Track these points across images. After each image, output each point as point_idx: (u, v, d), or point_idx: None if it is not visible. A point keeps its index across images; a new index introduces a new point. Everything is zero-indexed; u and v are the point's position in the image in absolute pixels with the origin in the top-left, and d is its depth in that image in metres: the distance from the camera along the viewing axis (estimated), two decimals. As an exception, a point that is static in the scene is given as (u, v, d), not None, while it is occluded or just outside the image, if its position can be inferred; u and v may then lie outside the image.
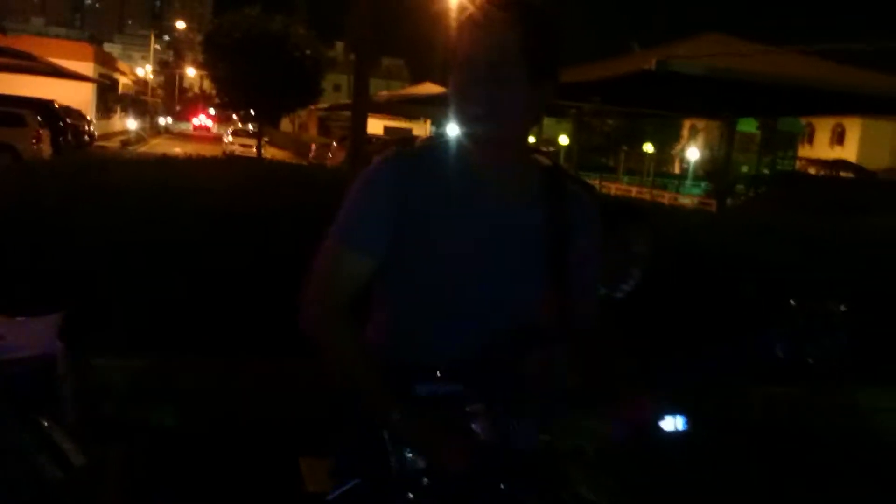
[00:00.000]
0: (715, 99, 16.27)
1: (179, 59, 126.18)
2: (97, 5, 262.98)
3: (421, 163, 1.79)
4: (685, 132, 46.73)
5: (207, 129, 79.99)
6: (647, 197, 24.30)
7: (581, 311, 1.84)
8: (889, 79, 15.04)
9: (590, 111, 24.93)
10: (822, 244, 5.76)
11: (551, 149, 39.68)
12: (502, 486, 1.74)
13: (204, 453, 3.75)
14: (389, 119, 45.70)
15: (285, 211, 4.47)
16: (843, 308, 1.58)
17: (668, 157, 50.56)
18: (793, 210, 13.02)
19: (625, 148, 35.44)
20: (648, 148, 40.56)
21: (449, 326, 1.75)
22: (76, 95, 37.42)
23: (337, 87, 63.07)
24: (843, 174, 31.80)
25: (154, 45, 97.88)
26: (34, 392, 3.10)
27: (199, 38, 22.98)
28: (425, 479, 1.69)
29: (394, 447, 1.70)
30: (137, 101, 62.01)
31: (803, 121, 45.79)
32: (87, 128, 32.09)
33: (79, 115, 31.81)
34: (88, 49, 52.12)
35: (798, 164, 40.12)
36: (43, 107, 23.70)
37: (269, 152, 27.23)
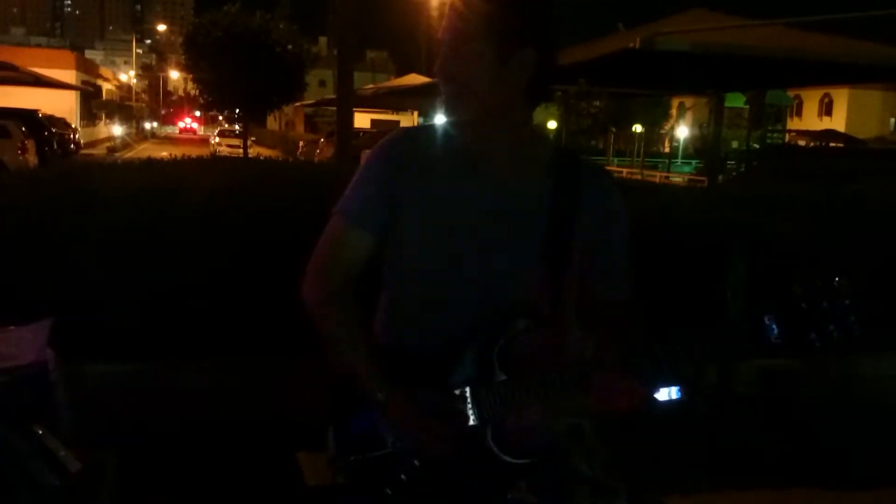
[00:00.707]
0: (702, 75, 16.22)
1: (162, 63, 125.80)
2: (77, 12, 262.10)
3: (421, 140, 1.81)
4: (673, 111, 46.84)
5: (193, 131, 79.97)
6: (637, 177, 24.32)
7: (604, 296, 1.80)
8: (875, 47, 15.03)
9: (576, 94, 24.89)
10: (815, 213, 5.75)
11: (540, 134, 39.63)
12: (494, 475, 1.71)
13: (200, 454, 3.73)
14: (377, 112, 45.63)
15: (274, 207, 4.43)
16: (847, 286, 1.48)
17: (658, 136, 50.66)
18: (784, 182, 13.02)
19: (613, 129, 35.44)
20: (637, 128, 40.58)
21: (440, 305, 1.74)
22: (60, 104, 37.27)
23: (322, 83, 62.91)
24: (832, 144, 31.87)
25: (136, 50, 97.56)
26: (27, 400, 3.08)
27: (180, 39, 22.93)
28: (416, 461, 1.69)
29: (386, 428, 1.71)
30: (122, 107, 61.77)
31: (791, 93, 45.92)
32: (72, 136, 31.98)
33: (63, 124, 31.70)
34: (70, 57, 51.86)
35: (788, 137, 40.19)
36: (27, 117, 23.63)
37: (257, 151, 27.17)
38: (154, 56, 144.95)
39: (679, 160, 40.92)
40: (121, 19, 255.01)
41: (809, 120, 54.80)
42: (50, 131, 25.71)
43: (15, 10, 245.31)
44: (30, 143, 21.60)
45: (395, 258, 1.78)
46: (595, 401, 1.62)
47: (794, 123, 52.15)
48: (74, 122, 39.43)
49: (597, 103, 26.24)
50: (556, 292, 1.73)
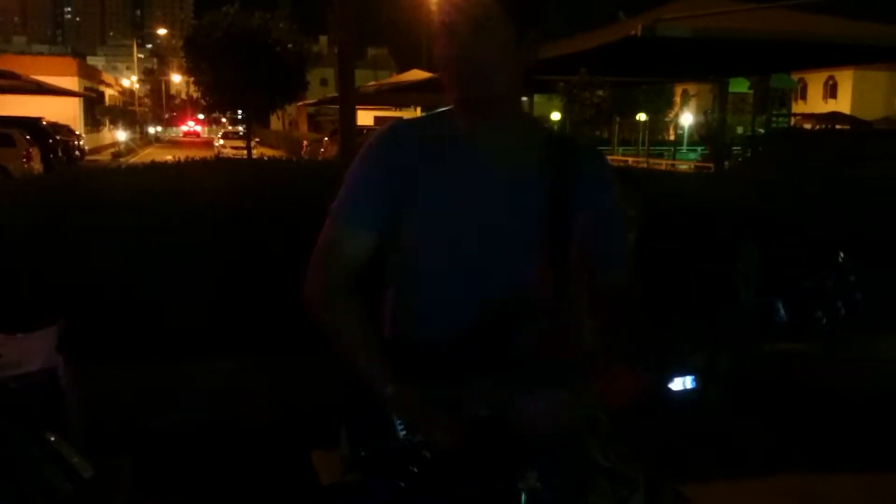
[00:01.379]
0: (705, 61, 16.16)
1: (164, 66, 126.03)
2: (77, 19, 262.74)
3: (415, 132, 1.79)
4: (677, 98, 46.71)
5: (197, 134, 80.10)
6: (644, 165, 24.25)
7: (605, 280, 1.78)
8: (879, 27, 14.94)
9: (579, 84, 24.81)
10: (822, 195, 5.72)
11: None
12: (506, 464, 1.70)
13: (213, 455, 3.72)
14: (379, 109, 45.61)
15: (280, 206, 4.42)
16: (852, 264, 1.50)
17: (662, 124, 50.53)
18: (790, 166, 12.95)
19: (617, 119, 35.36)
20: (641, 117, 40.48)
21: (444, 298, 1.72)
22: (63, 111, 37.34)
23: (324, 82, 62.94)
24: (838, 127, 31.72)
25: (137, 55, 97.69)
26: (38, 406, 3.07)
27: (181, 43, 22.92)
28: (427, 453, 1.67)
29: (395, 421, 1.70)
30: (125, 112, 61.76)
31: (795, 77, 45.71)
32: (76, 143, 32.01)
33: (67, 131, 31.74)
34: (72, 63, 51.94)
35: (793, 121, 40.03)
36: (31, 125, 23.64)
37: (261, 152, 27.22)
38: (155, 60, 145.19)
39: (685, 147, 40.85)
40: (121, 25, 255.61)
41: (814, 103, 54.58)
42: (54, 138, 25.72)
43: (16, 18, 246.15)
44: (34, 151, 21.62)
45: (399, 252, 1.76)
46: (601, 390, 1.63)
47: (798, 107, 51.93)
48: (78, 128, 39.48)
49: (600, 93, 26.10)
50: (561, 279, 1.72)
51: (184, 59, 21.33)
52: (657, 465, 2.61)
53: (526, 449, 1.69)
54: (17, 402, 3.03)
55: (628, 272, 1.82)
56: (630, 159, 31.24)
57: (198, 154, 6.61)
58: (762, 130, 32.09)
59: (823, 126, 32.66)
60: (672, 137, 48.39)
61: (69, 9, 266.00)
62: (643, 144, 39.27)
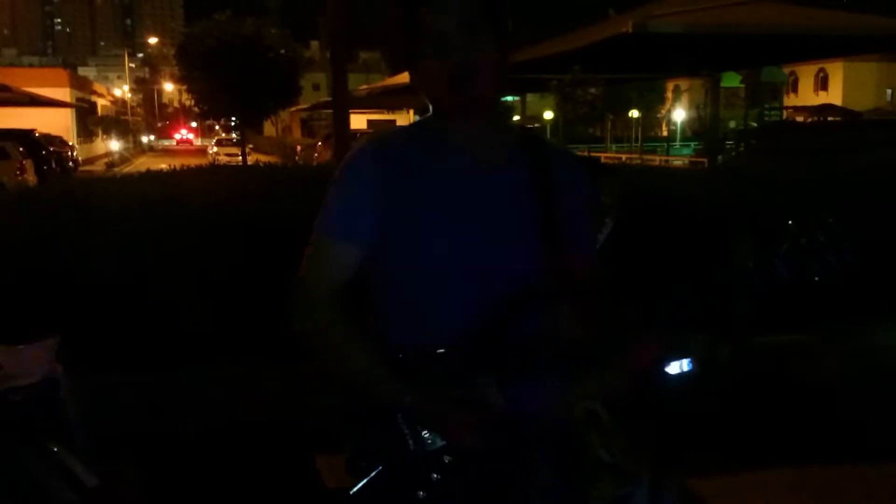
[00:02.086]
0: (696, 56, 16.20)
1: (156, 75, 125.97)
2: (68, 30, 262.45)
3: (396, 143, 1.79)
4: (669, 94, 46.76)
5: (190, 142, 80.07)
6: (637, 162, 24.27)
7: (580, 268, 1.81)
8: (868, 17, 15.00)
9: (571, 82, 24.86)
10: (813, 184, 5.74)
11: (537, 125, 39.66)
12: (534, 456, 1.73)
13: (215, 461, 3.73)
14: (372, 113, 45.59)
15: (278, 211, 4.43)
16: (838, 222, 1.58)
17: (655, 120, 50.62)
18: (783, 158, 12.99)
19: (610, 116, 35.42)
20: (634, 114, 40.54)
21: (446, 299, 1.73)
22: (56, 122, 37.31)
23: (316, 87, 62.89)
24: (830, 118, 31.79)
25: (129, 64, 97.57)
26: (40, 418, 3.08)
27: (173, 51, 22.91)
28: (446, 457, 1.67)
29: (409, 430, 1.68)
30: (118, 122, 61.66)
31: (786, 70, 45.79)
32: (70, 154, 31.97)
33: (61, 142, 31.70)
34: (63, 74, 51.90)
35: (785, 114, 40.10)
36: (24, 137, 23.60)
37: (256, 158, 27.19)
38: (147, 69, 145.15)
39: (678, 143, 40.87)
40: (112, 34, 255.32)
41: (806, 95, 54.71)
42: (47, 150, 25.66)
43: (6, 31, 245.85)
44: (28, 163, 21.59)
45: (391, 262, 1.75)
46: (637, 357, 1.67)
47: (790, 100, 52.03)
48: (71, 139, 39.44)
49: (592, 90, 26.16)
50: (556, 272, 1.75)
51: (176, 68, 21.31)
52: (660, 458, 2.62)
53: (540, 441, 1.72)
54: (19, 414, 3.03)
55: (595, 257, 1.90)
56: (624, 156, 31.26)
57: (192, 162, 6.61)
58: (754, 124, 32.14)
59: (815, 118, 32.71)
60: (665, 133, 48.43)
61: (59, 20, 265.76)
62: (636, 141, 39.31)
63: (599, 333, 1.70)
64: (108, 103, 69.62)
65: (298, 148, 36.46)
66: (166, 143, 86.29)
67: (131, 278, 4.06)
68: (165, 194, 4.68)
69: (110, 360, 3.87)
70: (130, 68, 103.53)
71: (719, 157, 20.66)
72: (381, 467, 1.70)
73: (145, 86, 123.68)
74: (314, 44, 73.89)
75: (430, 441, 1.68)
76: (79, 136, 45.72)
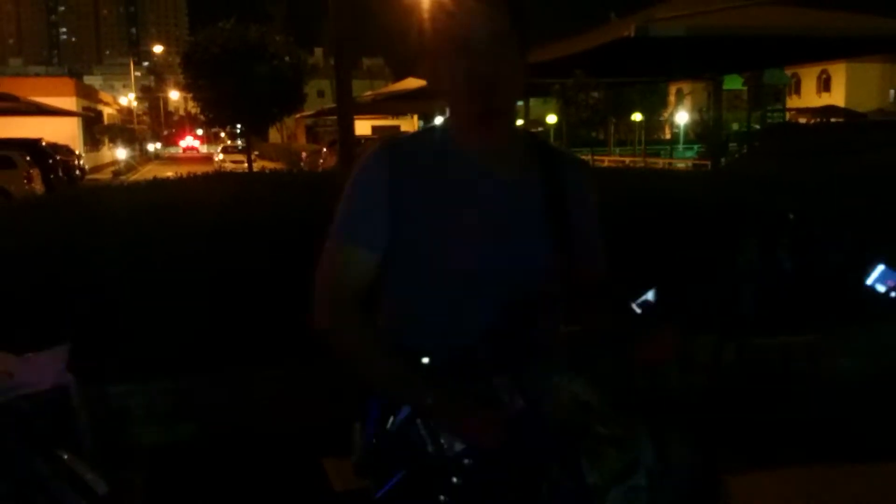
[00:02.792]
0: (699, 59, 16.20)
1: (161, 83, 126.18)
2: (73, 39, 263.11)
3: (410, 148, 1.81)
4: (671, 97, 46.72)
5: (196, 149, 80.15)
6: (641, 165, 24.26)
7: (591, 272, 1.85)
8: (870, 19, 14.98)
9: (574, 86, 24.88)
10: (817, 185, 5.74)
11: (540, 129, 39.65)
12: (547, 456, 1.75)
13: (223, 467, 3.74)
14: (377, 119, 45.65)
15: (283, 217, 4.45)
16: (839, 222, 1.61)
17: (658, 123, 50.55)
18: (787, 160, 12.97)
19: (613, 119, 35.42)
20: (637, 117, 40.51)
21: (461, 306, 1.75)
22: (62, 131, 37.40)
23: (321, 94, 62.97)
24: (833, 120, 31.72)
25: (134, 73, 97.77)
26: (51, 425, 3.10)
27: (178, 59, 22.97)
28: (467, 460, 1.67)
29: (428, 433, 1.68)
30: (124, 130, 61.82)
31: (788, 72, 45.73)
32: (76, 162, 32.07)
33: (67, 151, 31.79)
34: (69, 84, 52.03)
35: (787, 115, 40.03)
36: (31, 146, 23.67)
37: (261, 165, 27.25)
38: (152, 77, 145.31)
39: (681, 146, 40.84)
40: (117, 43, 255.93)
41: (808, 97, 54.58)
42: (54, 159, 25.75)
43: (11, 41, 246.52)
44: (35, 172, 21.64)
45: (407, 265, 1.77)
46: (646, 355, 1.70)
47: (793, 102, 51.92)
48: (78, 148, 39.53)
49: (595, 94, 26.18)
50: (569, 275, 1.78)
51: (181, 76, 21.36)
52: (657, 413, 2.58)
53: (557, 438, 1.75)
54: (29, 422, 3.06)
55: (605, 261, 1.93)
56: (627, 159, 31.24)
57: (198, 169, 6.62)
58: (757, 126, 32.10)
59: (818, 119, 32.65)
60: (668, 136, 48.39)
61: (64, 29, 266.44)
62: (639, 144, 39.28)
63: (604, 331, 1.72)
64: (114, 112, 69.77)
65: (304, 154, 36.51)
66: (172, 150, 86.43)
67: (140, 286, 4.08)
68: (173, 201, 4.70)
69: (119, 367, 3.89)
70: (136, 77, 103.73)
71: (722, 160, 20.66)
72: (403, 472, 1.69)
73: (151, 94, 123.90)
74: (318, 50, 73.99)
75: (449, 445, 1.67)
76: (85, 144, 45.81)
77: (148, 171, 38.86)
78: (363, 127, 39.48)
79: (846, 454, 4.09)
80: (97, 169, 43.47)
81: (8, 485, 2.87)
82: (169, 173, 6.53)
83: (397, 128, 45.50)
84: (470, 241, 1.74)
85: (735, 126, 36.65)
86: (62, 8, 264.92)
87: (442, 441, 1.68)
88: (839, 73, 53.15)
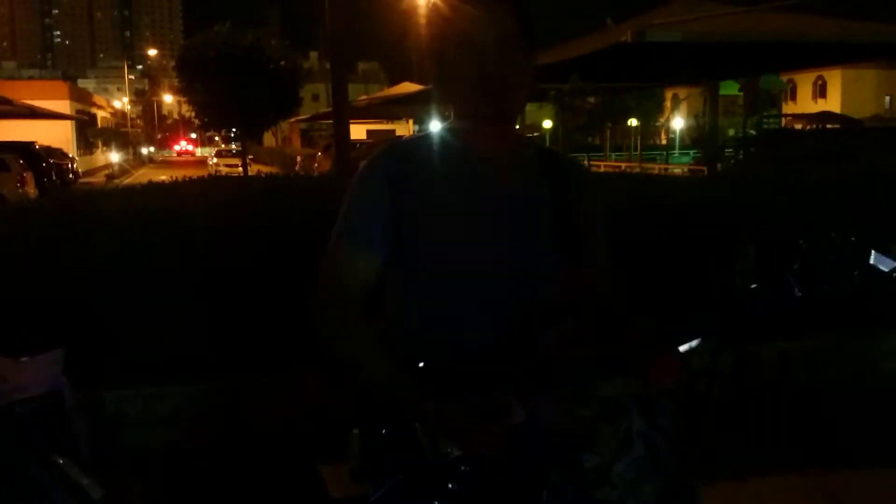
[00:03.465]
0: (695, 64, 16.23)
1: (155, 87, 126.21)
2: (67, 42, 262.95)
3: (415, 151, 1.79)
4: (668, 103, 46.82)
5: (190, 153, 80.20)
6: (637, 170, 24.30)
7: (595, 280, 1.84)
8: (866, 25, 15.04)
9: (570, 91, 24.92)
10: (816, 189, 5.73)
11: (536, 134, 39.70)
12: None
13: (221, 473, 3.72)
14: (372, 122, 45.69)
15: (282, 221, 4.43)
16: (851, 239, 1.63)
17: (654, 129, 50.64)
18: (783, 165, 13.00)
19: (609, 125, 35.45)
20: (633, 122, 40.59)
21: (465, 312, 1.73)
22: (56, 134, 37.35)
23: (315, 97, 63.05)
24: (829, 126, 31.79)
25: (128, 76, 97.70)
26: (45, 430, 3.07)
27: (172, 63, 22.96)
28: (464, 467, 1.66)
29: (427, 439, 1.67)
30: (118, 134, 61.80)
31: (784, 78, 45.88)
32: (70, 166, 31.99)
33: (61, 154, 31.73)
34: (63, 87, 51.96)
35: (783, 121, 40.15)
36: (24, 149, 23.62)
37: (257, 169, 27.23)
38: (147, 81, 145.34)
39: (677, 151, 40.92)
40: (111, 46, 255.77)
41: (804, 103, 54.78)
42: (48, 162, 25.69)
43: (5, 43, 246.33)
44: (28, 176, 21.60)
45: (410, 271, 1.76)
46: (651, 377, 1.69)
47: (789, 108, 52.14)
48: (71, 151, 39.49)
49: (591, 99, 26.25)
50: (574, 285, 1.77)
51: (176, 79, 21.35)
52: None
53: (557, 449, 1.74)
54: (24, 427, 3.03)
55: (607, 269, 1.92)
56: (623, 164, 31.31)
57: (192, 173, 6.60)
58: (753, 132, 32.19)
59: (814, 126, 32.74)
60: (664, 142, 48.49)
61: (58, 32, 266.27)
62: (636, 149, 39.35)
63: (612, 347, 1.71)
64: (108, 115, 69.74)
65: (299, 158, 36.51)
66: (166, 154, 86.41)
67: (135, 289, 4.06)
68: (167, 205, 4.68)
69: (115, 372, 3.86)
70: (130, 80, 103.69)
71: (719, 165, 20.70)
72: (400, 476, 1.68)
73: (145, 97, 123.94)
74: (313, 54, 74.09)
75: (446, 451, 1.67)
76: (79, 148, 45.79)
77: (142, 175, 38.80)
78: (358, 131, 39.47)
79: (845, 462, 4.08)
80: (91, 172, 43.40)
81: (3, 490, 2.84)
82: (163, 177, 6.51)
83: (392, 132, 45.57)
84: (472, 246, 1.73)
85: (731, 132, 36.73)
86: (56, 11, 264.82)
87: (440, 447, 1.67)
88: (835, 79, 53.38)
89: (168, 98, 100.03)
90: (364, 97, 42.21)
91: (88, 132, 52.11)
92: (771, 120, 38.59)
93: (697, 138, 37.23)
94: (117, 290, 4.05)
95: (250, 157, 30.92)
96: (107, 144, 56.13)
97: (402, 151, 1.79)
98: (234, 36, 19.29)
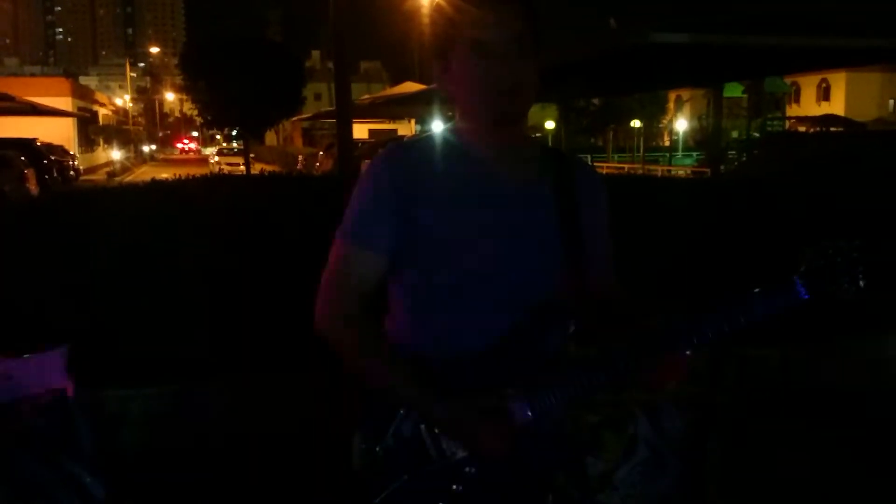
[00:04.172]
0: (700, 67, 16.17)
1: (157, 85, 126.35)
2: (69, 40, 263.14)
3: (420, 150, 1.79)
4: (671, 104, 46.87)
5: (192, 151, 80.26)
6: (640, 172, 24.29)
7: (601, 282, 1.83)
8: (870, 29, 14.99)
9: (573, 92, 24.91)
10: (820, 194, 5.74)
11: (538, 135, 39.72)
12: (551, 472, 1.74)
13: (222, 472, 3.71)
14: (374, 122, 45.67)
15: (284, 220, 4.42)
16: (857, 243, 1.63)
17: (657, 130, 50.70)
18: (786, 168, 12.99)
19: (612, 126, 35.52)
20: (636, 124, 40.62)
21: (473, 311, 1.72)
22: (57, 131, 37.31)
23: (317, 97, 62.98)
24: (832, 129, 31.79)
25: (130, 74, 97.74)
26: (49, 428, 3.07)
27: (174, 61, 22.94)
28: (468, 468, 1.67)
29: (431, 439, 1.67)
30: (119, 131, 61.81)
31: (788, 80, 45.88)
32: (71, 163, 32.00)
33: (62, 151, 31.72)
34: (65, 84, 51.92)
35: (787, 124, 40.15)
36: (25, 146, 23.63)
37: (260, 167, 27.29)
38: (149, 79, 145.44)
39: (680, 153, 40.95)
40: (113, 44, 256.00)
41: (808, 106, 54.73)
42: (49, 159, 25.70)
43: (7, 40, 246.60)
44: (30, 172, 21.59)
45: (415, 271, 1.75)
46: (656, 378, 1.69)
47: (792, 110, 52.11)
48: (73, 148, 39.49)
49: (594, 101, 26.26)
50: (579, 284, 1.76)
51: (178, 77, 21.34)
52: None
53: (563, 451, 1.74)
54: (28, 424, 3.02)
55: (613, 271, 1.91)
56: (626, 166, 31.29)
57: (193, 171, 6.59)
58: (756, 134, 32.19)
59: (818, 129, 32.74)
60: (667, 143, 48.52)
61: (60, 29, 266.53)
62: (638, 151, 39.38)
63: (617, 347, 1.70)
64: (110, 112, 69.72)
65: (300, 157, 36.54)
66: (168, 152, 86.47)
67: (138, 288, 4.05)
68: (171, 204, 4.68)
69: (118, 371, 3.85)
70: (132, 77, 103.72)
71: (722, 167, 20.69)
72: (405, 477, 1.68)
73: (147, 95, 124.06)
74: (315, 53, 74.12)
75: (451, 451, 1.67)
76: (80, 145, 45.75)
77: (143, 173, 38.85)
78: (360, 130, 39.51)
79: (849, 467, 4.07)
80: (92, 170, 43.41)
81: (6, 488, 2.83)
82: (164, 175, 6.50)
83: (395, 131, 45.56)
84: (478, 246, 1.72)
85: (735, 134, 36.76)
86: (59, 8, 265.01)
87: (444, 447, 1.68)
88: (839, 82, 53.32)
89: (170, 96, 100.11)
90: (366, 96, 42.17)
91: (90, 129, 52.08)
92: (775, 122, 38.62)
93: (701, 140, 37.27)
94: (121, 288, 4.04)
95: (252, 155, 30.94)
96: (108, 142, 56.13)
97: (408, 152, 1.78)
98: (236, 34, 19.30)
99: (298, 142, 57.98)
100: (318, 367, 1.91)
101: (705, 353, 1.81)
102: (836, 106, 51.20)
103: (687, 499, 2.69)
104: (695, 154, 37.77)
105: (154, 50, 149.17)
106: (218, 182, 6.10)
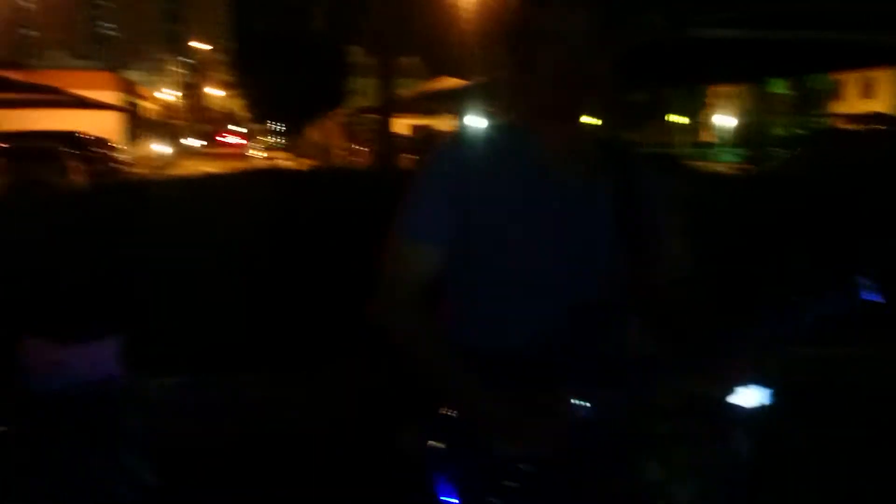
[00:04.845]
0: (744, 63, 15.94)
1: (202, 80, 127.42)
2: (114, 34, 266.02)
3: (477, 144, 1.79)
4: (712, 99, 46.25)
5: (235, 145, 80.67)
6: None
7: (661, 280, 1.81)
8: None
9: (613, 86, 24.71)
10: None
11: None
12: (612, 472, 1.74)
13: (270, 462, 3.75)
14: (415, 118, 45.61)
15: (331, 214, 4.44)
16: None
17: (697, 125, 50.06)
18: (832, 167, 12.76)
19: (652, 120, 35.10)
20: (676, 118, 40.12)
21: (528, 308, 1.73)
22: (102, 124, 37.70)
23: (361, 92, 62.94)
24: (879, 127, 31.12)
25: (175, 69, 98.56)
26: (101, 416, 3.12)
27: (220, 56, 23.13)
28: (523, 466, 1.66)
29: (486, 435, 1.66)
30: (164, 125, 62.48)
31: (831, 76, 45.04)
32: (115, 155, 32.34)
33: (107, 144, 32.07)
34: (110, 78, 52.52)
35: (831, 121, 39.40)
36: (70, 138, 23.86)
37: (304, 161, 27.41)
38: (193, 74, 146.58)
39: (722, 149, 40.39)
40: (158, 39, 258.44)
41: (851, 102, 53.69)
42: (94, 151, 25.96)
43: (52, 34, 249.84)
44: (75, 165, 21.83)
45: (472, 265, 1.76)
46: (718, 382, 1.70)
47: (835, 106, 51.14)
48: (118, 141, 39.94)
49: (634, 96, 25.98)
50: (640, 284, 1.76)
51: (222, 72, 21.50)
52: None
53: (621, 451, 1.74)
54: (80, 412, 3.08)
55: (686, 270, 1.87)
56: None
57: (236, 165, 6.65)
58: (800, 131, 31.65)
59: (864, 126, 32.09)
60: (707, 139, 47.91)
61: (106, 23, 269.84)
62: (680, 146, 38.92)
63: (679, 349, 1.69)
64: (154, 106, 70.44)
65: (340, 152, 36.61)
66: (211, 146, 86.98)
67: (187, 280, 4.10)
68: (225, 197, 4.72)
69: (169, 361, 3.91)
70: (176, 72, 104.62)
71: (766, 165, 20.40)
72: (457, 470, 1.68)
73: (191, 90, 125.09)
74: (355, 49, 73.98)
75: (506, 448, 1.66)
76: (125, 138, 46.29)
77: (188, 166, 39.19)
78: (402, 126, 39.53)
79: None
80: (137, 162, 43.90)
81: (58, 475, 2.89)
82: (209, 168, 6.56)
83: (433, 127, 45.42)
84: (533, 241, 1.72)
85: (779, 131, 36.19)
86: (104, 2, 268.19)
87: (498, 443, 1.66)
88: (883, 78, 52.23)
89: (215, 91, 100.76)
90: (406, 91, 42.10)
91: (134, 123, 52.70)
92: (820, 119, 37.92)
93: (744, 136, 36.71)
94: (176, 280, 4.10)
95: (294, 150, 31.10)
96: (153, 135, 56.74)
97: (464, 145, 1.79)
98: (283, 30, 19.34)
99: (338, 136, 58.04)
100: (361, 360, 1.92)
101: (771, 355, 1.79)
102: (881, 103, 50.11)
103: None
104: (737, 150, 37.23)
105: (199, 45, 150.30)
106: (268, 175, 6.15)
